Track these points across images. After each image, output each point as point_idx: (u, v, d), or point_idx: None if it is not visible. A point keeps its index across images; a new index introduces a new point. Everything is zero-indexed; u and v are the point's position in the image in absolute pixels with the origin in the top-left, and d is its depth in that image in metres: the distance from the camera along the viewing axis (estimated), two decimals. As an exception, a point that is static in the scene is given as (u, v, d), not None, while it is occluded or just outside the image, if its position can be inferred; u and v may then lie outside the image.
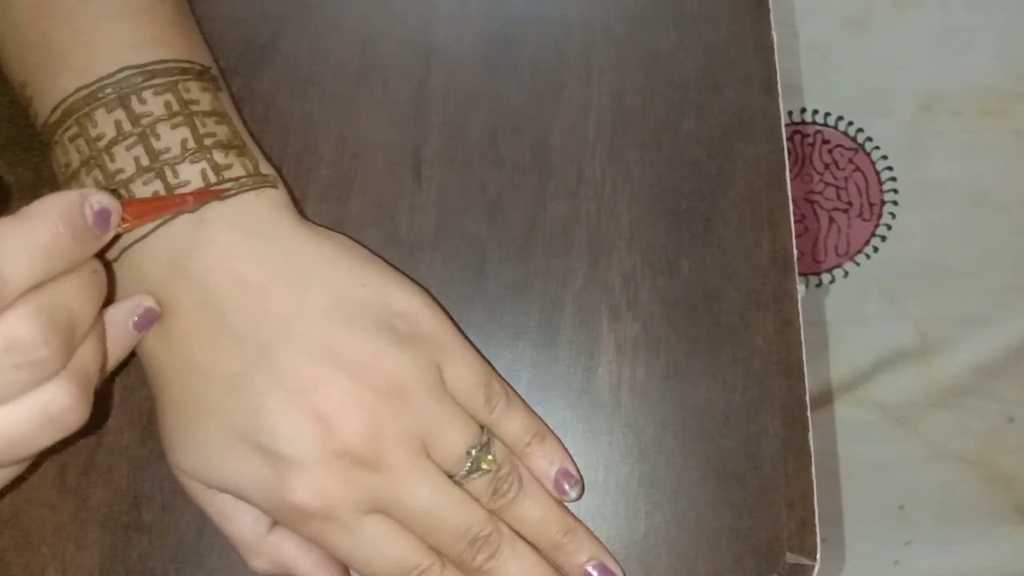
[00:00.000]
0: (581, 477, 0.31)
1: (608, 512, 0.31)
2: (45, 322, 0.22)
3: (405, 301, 0.29)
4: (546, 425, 0.31)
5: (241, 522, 0.28)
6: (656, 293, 0.33)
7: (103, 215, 0.24)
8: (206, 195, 0.27)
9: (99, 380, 0.25)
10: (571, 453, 0.31)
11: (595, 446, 0.31)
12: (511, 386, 0.31)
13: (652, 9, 0.37)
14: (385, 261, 0.30)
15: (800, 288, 0.33)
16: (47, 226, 0.22)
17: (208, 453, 0.27)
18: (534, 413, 0.31)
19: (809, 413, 0.31)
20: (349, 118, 0.35)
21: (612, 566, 0.30)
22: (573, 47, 0.36)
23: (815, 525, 0.30)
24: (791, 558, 0.30)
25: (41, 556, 0.30)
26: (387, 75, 0.35)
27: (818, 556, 0.30)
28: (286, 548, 0.28)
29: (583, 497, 0.31)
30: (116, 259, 0.28)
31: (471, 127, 0.35)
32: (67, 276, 0.23)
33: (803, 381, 0.32)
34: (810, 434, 0.31)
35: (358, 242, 0.30)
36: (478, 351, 0.30)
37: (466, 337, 0.31)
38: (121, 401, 0.31)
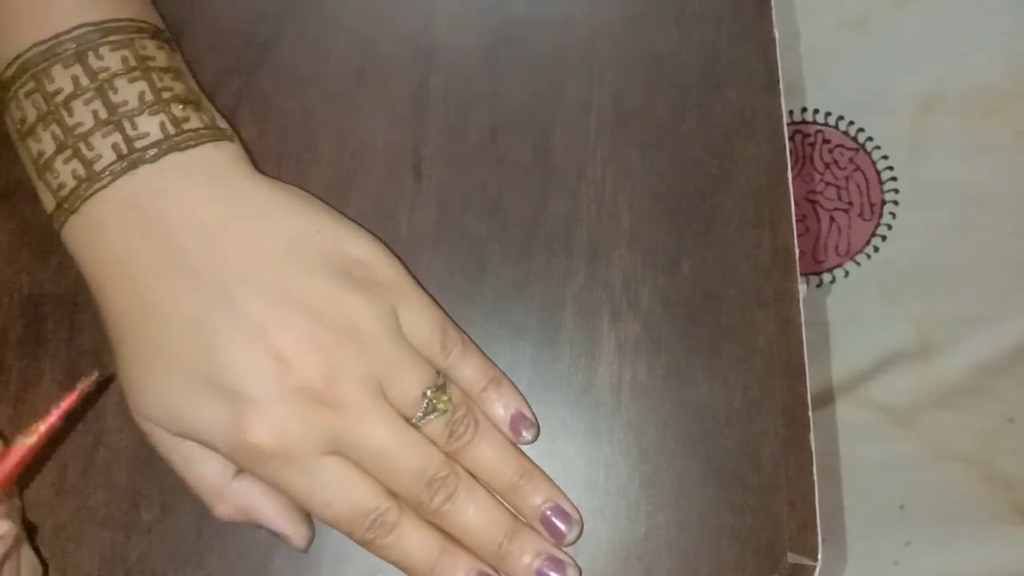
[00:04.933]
0: (536, 420, 0.31)
1: (609, 512, 0.31)
2: None
3: (360, 248, 0.30)
4: (502, 371, 0.31)
5: (206, 468, 0.28)
6: (657, 293, 0.33)
7: None
8: (56, 421, 0.27)
9: None
10: (572, 453, 0.31)
11: (596, 446, 0.31)
12: (468, 336, 0.31)
13: (653, 8, 0.37)
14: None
15: (801, 288, 0.33)
16: None
17: (167, 396, 0.27)
18: (490, 359, 0.31)
19: (810, 413, 0.31)
20: (349, 117, 0.35)
21: (567, 507, 0.30)
22: (573, 47, 0.36)
23: (816, 525, 0.30)
24: (792, 558, 0.30)
25: (41, 556, 0.29)
26: (387, 75, 0.35)
27: (819, 556, 0.30)
28: (250, 494, 0.28)
29: (584, 497, 0.31)
30: (76, 209, 0.28)
31: (471, 126, 0.35)
32: None
33: (804, 381, 0.32)
34: (811, 434, 0.31)
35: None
36: (438, 304, 0.31)
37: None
38: (120, 401, 0.31)
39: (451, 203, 0.34)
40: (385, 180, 0.34)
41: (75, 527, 0.30)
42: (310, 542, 0.30)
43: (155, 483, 0.30)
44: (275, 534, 0.29)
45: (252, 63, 0.35)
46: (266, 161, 0.33)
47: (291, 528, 0.29)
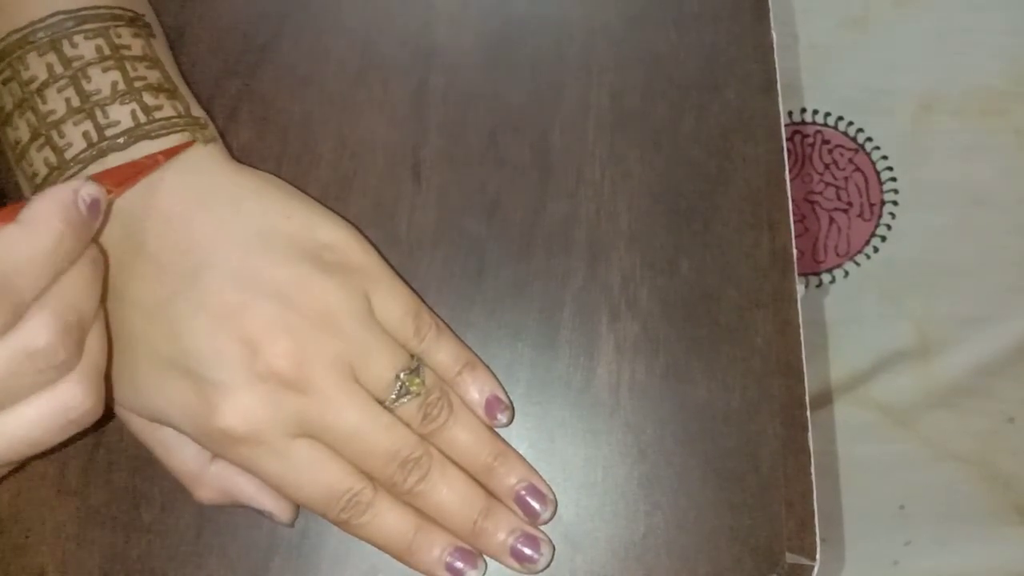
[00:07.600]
0: (511, 403, 0.31)
1: (607, 512, 0.31)
2: (60, 327, 0.22)
3: (332, 233, 0.29)
4: (476, 355, 0.31)
5: (184, 453, 0.28)
6: (655, 293, 0.33)
7: (95, 206, 0.24)
8: (176, 151, 0.28)
9: (104, 363, 0.25)
10: (570, 453, 0.31)
11: (594, 446, 0.31)
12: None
13: (652, 9, 0.37)
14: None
15: (800, 288, 0.33)
16: (50, 231, 0.23)
17: (137, 382, 0.27)
18: (465, 344, 0.31)
19: (808, 413, 0.32)
20: (348, 118, 0.35)
21: (542, 487, 0.30)
22: (573, 47, 0.36)
23: (815, 525, 0.30)
24: (791, 558, 0.30)
25: (41, 556, 0.30)
26: (387, 75, 0.35)
27: (817, 556, 0.30)
28: (229, 475, 0.29)
29: (583, 497, 0.31)
30: None
31: (471, 127, 0.35)
32: (71, 272, 0.23)
33: (803, 381, 0.32)
34: (809, 434, 0.31)
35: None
36: (413, 290, 0.31)
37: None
38: (121, 401, 0.31)
39: (450, 204, 0.34)
40: (385, 181, 0.34)
41: (75, 527, 0.30)
42: (295, 516, 0.30)
43: (155, 483, 0.30)
44: (260, 512, 0.29)
45: (252, 64, 0.35)
46: (266, 162, 0.34)
47: (274, 504, 0.29)
